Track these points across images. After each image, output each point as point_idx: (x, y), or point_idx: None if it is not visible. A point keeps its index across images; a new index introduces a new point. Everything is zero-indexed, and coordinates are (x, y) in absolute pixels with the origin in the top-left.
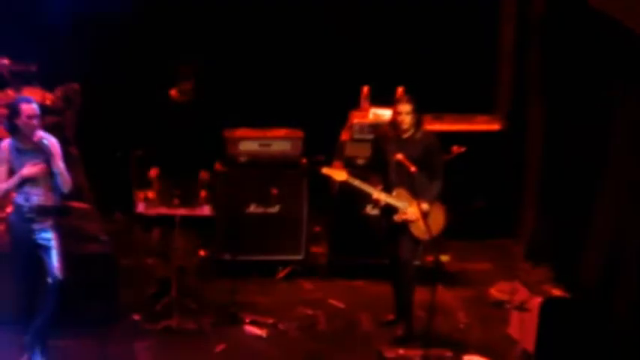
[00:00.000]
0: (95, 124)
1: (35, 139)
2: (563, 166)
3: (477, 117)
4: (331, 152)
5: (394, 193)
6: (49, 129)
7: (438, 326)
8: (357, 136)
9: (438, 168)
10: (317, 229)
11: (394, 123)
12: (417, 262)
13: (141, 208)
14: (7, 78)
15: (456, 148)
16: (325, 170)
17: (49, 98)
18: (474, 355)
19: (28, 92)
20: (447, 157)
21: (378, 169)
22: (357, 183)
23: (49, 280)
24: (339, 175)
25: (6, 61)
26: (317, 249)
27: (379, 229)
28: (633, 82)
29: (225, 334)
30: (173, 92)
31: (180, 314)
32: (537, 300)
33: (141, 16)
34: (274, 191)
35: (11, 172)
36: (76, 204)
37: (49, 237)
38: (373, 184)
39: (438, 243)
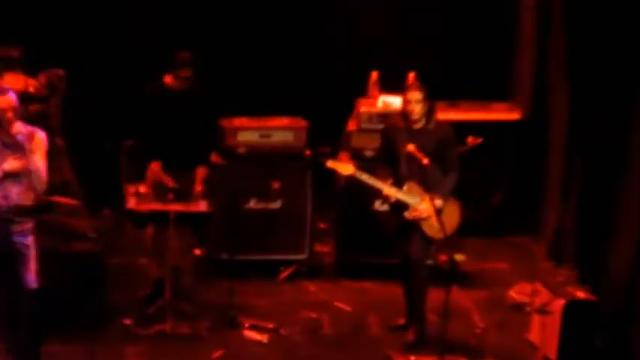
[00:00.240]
0: (82, 112)
1: (12, 132)
2: (588, 159)
3: (494, 105)
4: (337, 143)
5: (405, 188)
6: (33, 118)
7: (452, 331)
8: (364, 125)
9: (453, 161)
10: (322, 226)
11: (404, 112)
12: (429, 262)
13: (132, 203)
14: None
15: (471, 139)
16: (330, 163)
17: (32, 85)
18: None
19: (9, 78)
20: (462, 148)
21: (388, 162)
22: (364, 177)
23: (23, 290)
24: (345, 168)
25: None
26: (322, 248)
27: (389, 227)
28: None
29: (223, 339)
30: (168, 79)
31: (175, 318)
32: (560, 302)
33: None
34: (276, 185)
35: None
36: (61, 199)
37: (27, 242)
38: (382, 178)
39: (452, 241)
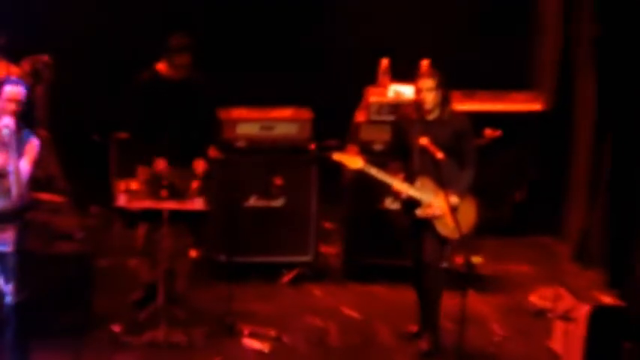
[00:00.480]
0: (69, 102)
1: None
2: (616, 152)
3: (514, 94)
4: (344, 136)
5: (417, 184)
6: None
7: (468, 339)
8: (374, 117)
9: (470, 155)
10: (328, 225)
11: (417, 102)
12: (444, 265)
13: (122, 200)
14: None
15: (490, 132)
16: (337, 156)
17: (14, 72)
18: None
19: None
20: (479, 141)
21: (399, 156)
22: (374, 171)
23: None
24: (353, 161)
25: None
26: (328, 249)
27: (400, 226)
28: None
29: (220, 348)
30: (162, 66)
31: (168, 325)
32: (585, 308)
33: None
34: (278, 181)
35: None
36: (46, 196)
37: (5, 252)
38: (393, 173)
39: (468, 242)
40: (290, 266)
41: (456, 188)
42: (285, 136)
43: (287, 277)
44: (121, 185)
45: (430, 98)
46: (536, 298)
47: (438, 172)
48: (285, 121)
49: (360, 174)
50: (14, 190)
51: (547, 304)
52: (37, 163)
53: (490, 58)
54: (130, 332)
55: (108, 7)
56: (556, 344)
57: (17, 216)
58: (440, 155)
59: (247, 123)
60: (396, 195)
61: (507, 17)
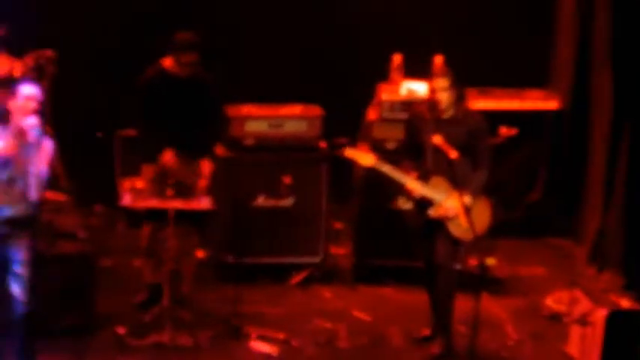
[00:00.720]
0: (73, 98)
1: (25, 125)
2: (633, 152)
3: (529, 92)
4: (355, 134)
5: (431, 183)
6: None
7: (482, 343)
8: (386, 114)
9: (484, 154)
10: (338, 225)
11: (431, 101)
12: (457, 267)
13: (127, 199)
14: None
15: (505, 130)
16: (349, 152)
17: (18, 68)
18: None
19: None
20: (494, 140)
21: (412, 155)
22: (386, 169)
23: (15, 312)
24: (365, 158)
25: None
26: (338, 250)
27: (412, 226)
28: None
29: (227, 351)
30: (168, 62)
31: (173, 327)
32: (602, 312)
33: None
34: (287, 180)
35: None
36: (48, 194)
37: (22, 259)
38: (406, 172)
39: (482, 243)
40: (299, 267)
41: (470, 188)
42: (294, 134)
43: (296, 279)
44: (126, 184)
45: (445, 97)
46: (552, 302)
47: (451, 172)
48: (295, 119)
49: (371, 172)
50: (33, 194)
51: (563, 308)
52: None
53: (506, 55)
54: (135, 334)
55: (113, 2)
56: (572, 349)
57: (32, 221)
58: (453, 154)
59: (256, 120)
60: (408, 194)
61: (524, 15)
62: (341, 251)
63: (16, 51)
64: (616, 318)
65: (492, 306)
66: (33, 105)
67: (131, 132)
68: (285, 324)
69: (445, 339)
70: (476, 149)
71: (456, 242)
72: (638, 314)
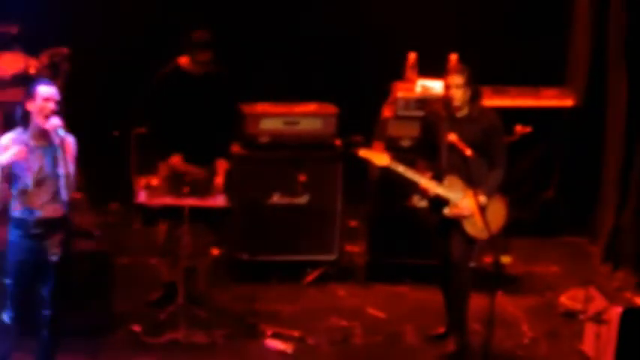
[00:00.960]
0: (88, 96)
1: (47, 126)
2: None
3: (545, 90)
4: (370, 132)
5: (445, 182)
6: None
7: (497, 341)
8: (401, 112)
9: (499, 152)
10: (353, 223)
11: (446, 99)
12: (472, 265)
13: (142, 197)
14: None
15: (520, 128)
16: (363, 153)
17: (33, 65)
18: None
19: (7, 58)
20: (509, 139)
21: (427, 153)
22: (401, 168)
23: (45, 312)
24: (379, 158)
25: None
26: (353, 248)
27: (427, 225)
28: None
29: (242, 349)
30: (184, 61)
31: (188, 325)
32: (617, 310)
33: None
34: (302, 178)
35: (9, 177)
36: None
37: (54, 261)
38: (421, 171)
39: (497, 242)
40: (314, 265)
41: (485, 187)
42: (309, 132)
43: (311, 277)
44: (141, 182)
45: (459, 95)
46: (567, 300)
47: (466, 170)
48: (310, 116)
49: (387, 171)
50: (64, 195)
51: (578, 306)
52: None
53: (521, 53)
54: (150, 332)
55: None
56: (587, 347)
57: (64, 222)
58: (469, 153)
59: (271, 118)
60: (423, 193)
61: (539, 13)
62: (356, 249)
63: (31, 49)
64: (631, 316)
65: (507, 304)
66: (52, 106)
67: (146, 130)
68: (300, 322)
69: (460, 337)
70: (491, 148)
71: (470, 241)
72: None
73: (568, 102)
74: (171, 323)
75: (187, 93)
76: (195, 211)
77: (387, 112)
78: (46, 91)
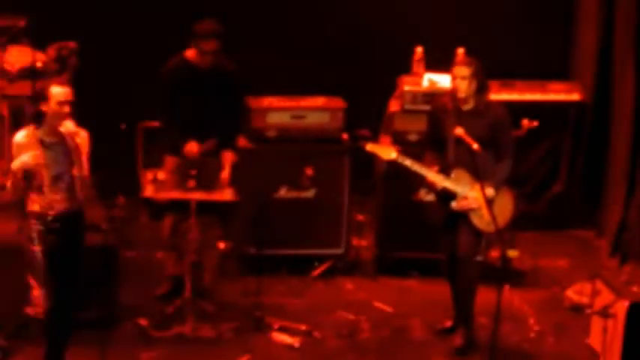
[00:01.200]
0: (95, 89)
1: (62, 129)
2: None
3: (552, 84)
4: (378, 126)
5: (453, 176)
6: (40, 95)
7: (504, 335)
8: (408, 106)
9: (506, 146)
10: (360, 217)
11: (453, 93)
12: (479, 258)
13: (149, 191)
14: None
15: (527, 122)
16: (370, 147)
17: (40, 59)
18: None
19: (15, 52)
20: (516, 132)
21: (435, 147)
22: (408, 162)
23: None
24: (387, 152)
25: None
26: (360, 241)
27: (434, 218)
28: None
29: (249, 342)
30: (190, 53)
31: (195, 319)
32: (624, 304)
33: None
34: (309, 172)
35: (25, 174)
36: None
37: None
38: (428, 164)
39: (504, 236)
40: (321, 259)
41: (492, 180)
42: (316, 126)
43: (318, 271)
44: (148, 175)
45: (464, 86)
46: (574, 294)
47: (473, 164)
48: (317, 110)
49: (394, 164)
50: (80, 194)
51: (585, 300)
52: None
53: (529, 47)
54: (157, 326)
55: None
56: (594, 341)
57: (79, 217)
58: (476, 146)
59: (278, 112)
60: (430, 187)
61: (546, 6)
62: (363, 243)
63: (39, 42)
64: (638, 310)
65: (514, 298)
66: (67, 109)
67: (154, 123)
68: (307, 316)
69: (467, 331)
70: (498, 141)
71: (478, 234)
72: None
73: (575, 96)
74: (178, 317)
75: (195, 85)
76: (202, 204)
77: (394, 106)
78: (60, 93)
